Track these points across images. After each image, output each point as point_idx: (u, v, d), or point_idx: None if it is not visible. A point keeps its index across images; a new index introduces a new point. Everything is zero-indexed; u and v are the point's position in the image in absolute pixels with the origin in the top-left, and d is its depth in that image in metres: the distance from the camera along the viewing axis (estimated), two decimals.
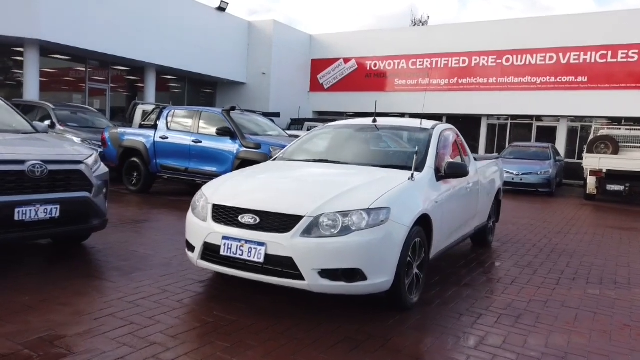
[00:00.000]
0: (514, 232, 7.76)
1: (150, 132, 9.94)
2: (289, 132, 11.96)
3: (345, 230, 3.29)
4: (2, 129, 4.97)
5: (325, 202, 3.42)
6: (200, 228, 3.65)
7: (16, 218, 3.97)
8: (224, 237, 3.49)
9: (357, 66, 23.11)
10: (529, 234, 7.74)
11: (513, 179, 14.53)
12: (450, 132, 5.29)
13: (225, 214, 3.57)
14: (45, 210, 4.15)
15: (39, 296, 3.60)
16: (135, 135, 10.15)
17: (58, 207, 4.23)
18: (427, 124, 5.08)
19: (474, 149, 21.35)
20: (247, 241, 3.39)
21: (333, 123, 5.67)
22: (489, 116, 21.43)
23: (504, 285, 4.71)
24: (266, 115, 14.27)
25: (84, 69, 17.41)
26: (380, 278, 3.40)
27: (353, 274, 3.30)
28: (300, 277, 3.27)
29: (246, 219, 3.46)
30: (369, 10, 64.49)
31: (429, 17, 44.51)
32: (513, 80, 20.47)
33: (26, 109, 12.49)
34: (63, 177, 4.32)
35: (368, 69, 22.93)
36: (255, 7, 69.05)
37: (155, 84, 19.39)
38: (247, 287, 4.00)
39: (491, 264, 5.55)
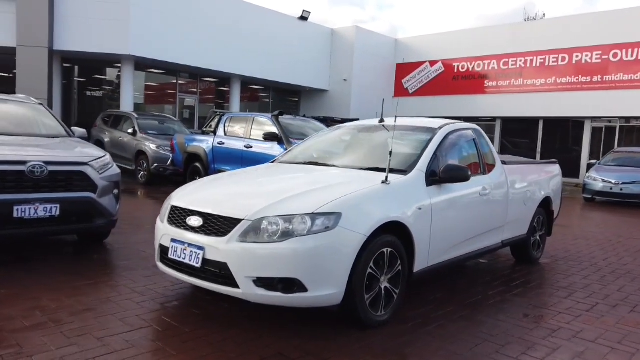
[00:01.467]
0: (581, 249, 6.77)
1: (210, 138, 10.33)
2: None
3: (285, 236, 3.03)
4: (34, 133, 5.41)
5: (270, 206, 3.19)
6: (158, 229, 3.62)
7: (15, 215, 4.26)
8: (172, 240, 3.42)
9: (443, 69, 22.15)
10: (599, 251, 6.70)
11: (612, 188, 12.88)
12: (463, 133, 4.74)
13: (177, 216, 3.50)
14: (45, 209, 4.40)
15: (14, 290, 3.81)
16: (197, 142, 10.61)
17: (58, 206, 4.47)
18: (437, 124, 4.59)
19: (576, 155, 19.33)
20: (189, 244, 3.28)
21: (346, 124, 5.39)
22: (593, 119, 19.25)
23: (518, 310, 4.07)
24: (345, 121, 14.14)
25: (175, 82, 18.74)
26: (324, 290, 3.08)
27: (291, 284, 3.03)
28: (235, 284, 3.08)
29: (192, 221, 3.35)
30: (476, 10, 61.91)
31: (544, 14, 40.34)
32: (622, 77, 18.21)
33: (117, 119, 13.75)
34: (64, 177, 4.56)
35: (455, 71, 21.86)
36: (363, 17, 69.85)
37: (241, 93, 20.28)
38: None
39: (519, 284, 4.85)
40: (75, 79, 17.61)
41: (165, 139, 12.18)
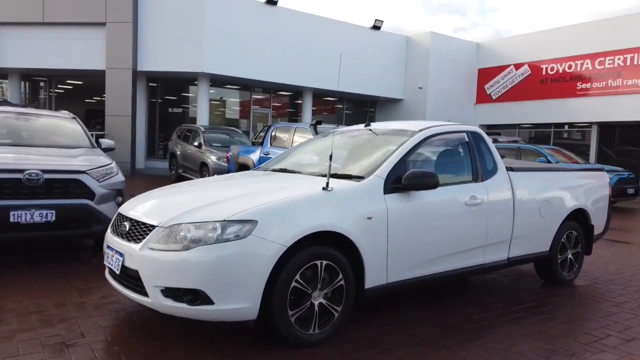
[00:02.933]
0: (638, 271, 5.78)
1: (258, 149, 10.51)
2: None
3: (193, 244, 2.89)
4: (56, 144, 5.83)
5: (186, 212, 3.07)
6: (106, 236, 3.67)
7: (11, 220, 4.59)
8: (107, 246, 3.44)
9: (530, 72, 20.55)
10: None
11: None
12: (452, 137, 4.25)
13: (116, 223, 3.52)
14: (41, 215, 4.70)
15: None
16: (247, 153, 10.85)
17: (54, 212, 4.75)
18: (418, 126, 4.18)
19: None
20: (115, 250, 3.26)
21: (342, 129, 5.13)
22: None
23: (500, 341, 3.52)
24: None
25: (249, 96, 19.46)
26: (233, 304, 2.88)
27: (195, 296, 2.87)
28: (146, 293, 2.99)
29: (122, 227, 3.34)
30: (587, 7, 57.06)
31: None
32: None
33: (187, 132, 14.58)
34: (60, 185, 4.84)
35: (543, 73, 20.18)
36: (464, 24, 67.79)
37: (315, 105, 20.50)
38: None
39: (524, 309, 4.21)
40: (158, 98, 18.98)
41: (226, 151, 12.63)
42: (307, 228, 3.06)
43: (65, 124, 6.47)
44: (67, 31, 16.07)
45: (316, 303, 3.16)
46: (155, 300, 2.95)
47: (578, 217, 5.08)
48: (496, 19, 68.04)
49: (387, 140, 4.10)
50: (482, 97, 22.18)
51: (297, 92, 20.18)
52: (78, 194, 4.93)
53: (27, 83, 19.04)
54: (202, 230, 2.90)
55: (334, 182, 3.49)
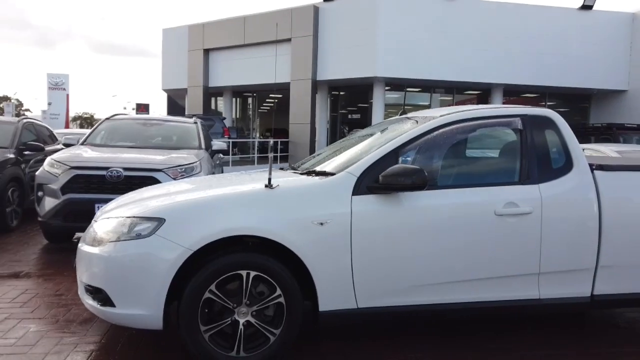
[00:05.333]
0: None
1: None
2: None
3: (105, 240, 2.71)
4: (163, 146, 6.42)
5: (117, 208, 2.92)
6: None
7: (96, 211, 5.19)
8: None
9: None
10: None
11: None
12: (488, 123, 3.11)
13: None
14: None
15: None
16: None
17: None
18: (441, 112, 3.21)
19: None
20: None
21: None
22: None
23: None
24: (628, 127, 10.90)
25: (429, 99, 18.57)
26: (132, 309, 2.59)
27: (101, 296, 2.68)
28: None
29: None
30: None
31: None
32: None
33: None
34: (138, 181, 5.26)
35: None
36: None
37: (507, 104, 18.39)
38: None
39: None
40: (338, 105, 19.63)
41: None
42: (221, 230, 2.59)
43: (184, 128, 7.10)
44: (261, 50, 17.97)
45: (241, 321, 2.65)
46: (82, 297, 2.88)
47: None
48: None
49: (395, 131, 3.25)
50: None
51: (484, 90, 18.43)
52: None
53: (237, 99, 21.98)
54: (112, 227, 2.72)
55: (294, 179, 2.91)
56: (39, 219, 5.35)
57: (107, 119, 7.23)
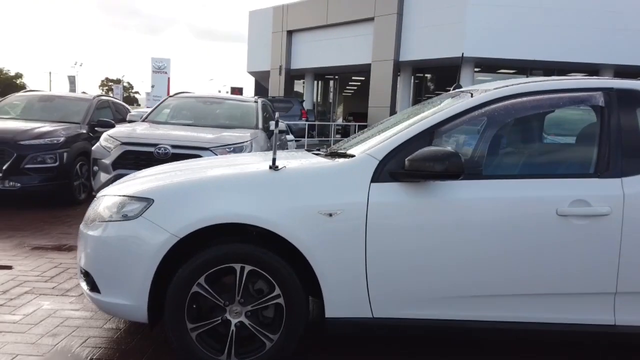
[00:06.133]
0: None
1: None
2: None
3: (97, 219, 2.46)
4: (221, 125, 6.25)
5: (126, 182, 2.68)
6: None
7: None
8: None
9: None
10: None
11: None
12: (556, 100, 2.43)
13: None
14: None
15: None
16: None
17: None
18: (501, 85, 2.58)
19: None
20: None
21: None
22: None
23: None
24: None
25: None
26: (117, 298, 2.33)
27: (89, 279, 2.45)
28: None
29: None
30: None
31: None
32: None
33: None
34: (185, 159, 5.13)
35: None
36: None
37: None
38: None
39: None
40: (423, 87, 18.60)
41: None
42: (211, 216, 2.24)
43: (244, 107, 6.91)
44: (343, 30, 17.49)
45: (234, 321, 2.30)
46: (80, 281, 2.69)
47: None
48: None
49: (440, 106, 2.68)
50: None
51: (591, 72, 16.46)
52: None
53: (318, 82, 21.73)
54: (105, 205, 2.47)
55: (307, 161, 2.50)
56: (93, 193, 5.42)
57: (170, 96, 7.24)
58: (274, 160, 2.37)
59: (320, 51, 18.21)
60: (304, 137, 14.12)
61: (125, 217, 2.34)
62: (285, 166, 2.38)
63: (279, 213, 2.24)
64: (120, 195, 2.44)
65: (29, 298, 3.18)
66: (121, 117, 8.05)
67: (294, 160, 2.57)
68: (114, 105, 8.32)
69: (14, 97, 7.95)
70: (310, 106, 19.99)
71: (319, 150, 3.02)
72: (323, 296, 2.28)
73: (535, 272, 2.26)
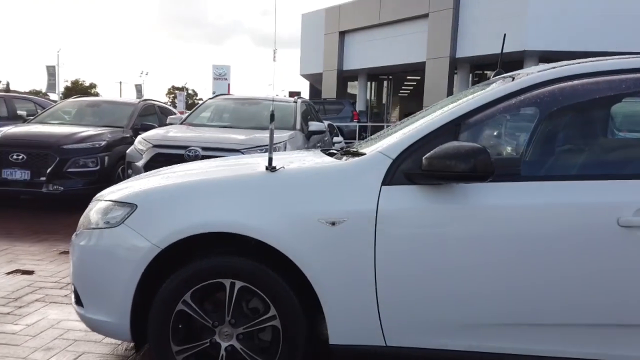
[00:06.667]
0: None
1: None
2: None
3: (90, 226, 2.25)
4: (256, 126, 6.05)
5: (123, 188, 2.45)
6: None
7: None
8: None
9: None
10: None
11: None
12: (618, 82, 1.93)
13: None
14: None
15: None
16: None
17: None
18: (548, 67, 2.12)
19: None
20: None
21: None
22: None
23: None
24: None
25: None
26: (99, 314, 2.09)
27: (75, 292, 2.24)
28: None
29: None
30: None
31: None
32: None
33: None
34: None
35: None
36: None
37: None
38: None
39: None
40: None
41: None
42: (194, 225, 1.96)
43: (282, 108, 6.66)
44: (396, 29, 16.98)
45: (224, 345, 2.01)
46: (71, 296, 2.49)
47: None
48: None
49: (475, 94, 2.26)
50: None
51: None
52: None
53: (372, 83, 21.26)
54: (94, 211, 2.25)
55: (311, 161, 2.17)
56: None
57: (210, 98, 7.13)
58: (270, 160, 2.06)
59: (373, 51, 17.77)
60: (355, 139, 13.75)
61: (108, 225, 2.11)
62: (283, 167, 2.06)
63: (271, 220, 1.92)
64: (106, 200, 2.22)
65: (37, 306, 3.05)
66: (164, 120, 8.08)
67: (299, 161, 2.25)
68: (159, 110, 8.36)
69: (65, 103, 8.18)
70: (364, 107, 19.56)
71: (337, 150, 2.68)
72: (326, 320, 1.93)
73: (586, 298, 1.80)
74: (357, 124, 14.37)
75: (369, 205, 1.88)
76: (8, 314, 2.93)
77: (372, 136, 2.70)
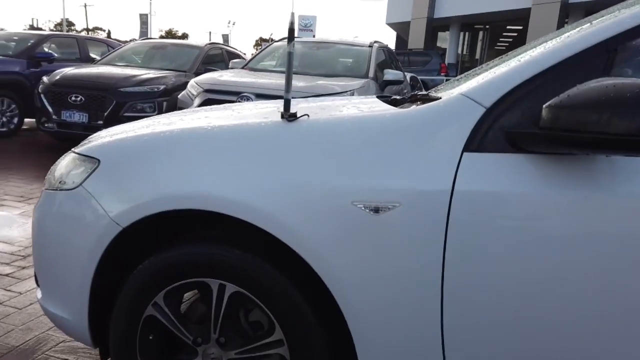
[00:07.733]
0: None
1: None
2: None
3: (50, 186, 1.66)
4: (330, 74, 5.29)
5: (105, 136, 1.83)
6: None
7: None
8: None
9: None
10: None
11: None
12: None
13: None
14: None
15: None
16: None
17: None
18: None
19: None
20: None
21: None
22: None
23: None
24: None
25: None
26: (54, 306, 1.53)
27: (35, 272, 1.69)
28: None
29: None
30: None
31: None
32: None
33: None
34: None
35: None
36: None
37: None
38: None
39: None
40: None
41: None
42: (164, 197, 1.29)
43: (355, 53, 5.86)
44: None
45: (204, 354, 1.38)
46: None
47: None
48: None
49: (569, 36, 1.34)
50: None
51: None
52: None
53: (465, 33, 19.38)
54: (60, 166, 1.66)
55: (359, 108, 1.41)
56: None
57: (276, 41, 6.44)
58: (286, 103, 1.33)
59: None
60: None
61: (65, 187, 1.50)
62: (307, 115, 1.32)
63: (278, 197, 1.20)
64: (73, 152, 1.62)
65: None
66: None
67: (335, 108, 1.50)
68: (227, 54, 7.83)
69: (133, 45, 7.88)
70: (454, 60, 17.91)
71: (400, 96, 1.88)
72: (356, 352, 1.23)
73: None
74: (446, 78, 13.06)
75: (440, 185, 1.11)
76: (7, 275, 2.54)
77: (458, 77, 1.85)
